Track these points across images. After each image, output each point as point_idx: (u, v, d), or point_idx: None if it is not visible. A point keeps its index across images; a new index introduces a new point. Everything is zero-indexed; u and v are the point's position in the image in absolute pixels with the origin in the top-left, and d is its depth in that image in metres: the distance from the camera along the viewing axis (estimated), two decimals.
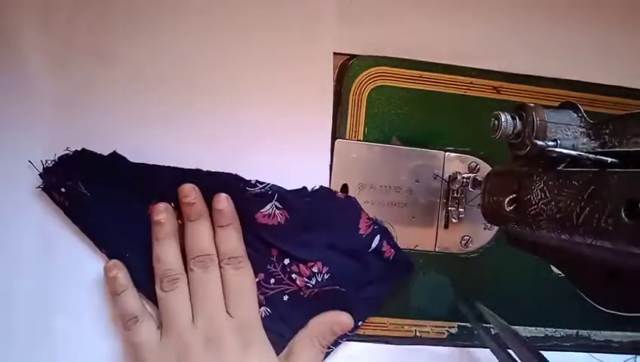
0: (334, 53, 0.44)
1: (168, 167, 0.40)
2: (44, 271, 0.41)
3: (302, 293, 0.42)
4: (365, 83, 0.44)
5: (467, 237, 0.46)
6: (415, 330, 0.45)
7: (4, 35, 0.40)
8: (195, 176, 0.40)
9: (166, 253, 0.40)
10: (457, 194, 0.45)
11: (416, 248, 0.45)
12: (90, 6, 0.41)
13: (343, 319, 0.42)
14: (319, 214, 0.42)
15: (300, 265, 0.42)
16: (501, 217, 0.34)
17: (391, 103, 0.45)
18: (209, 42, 0.42)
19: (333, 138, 0.44)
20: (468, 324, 0.46)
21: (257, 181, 0.41)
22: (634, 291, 0.26)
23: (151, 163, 0.40)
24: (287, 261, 0.42)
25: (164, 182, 0.40)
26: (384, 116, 0.45)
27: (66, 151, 0.40)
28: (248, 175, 0.41)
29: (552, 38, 0.47)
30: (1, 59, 0.40)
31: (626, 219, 0.24)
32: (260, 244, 0.42)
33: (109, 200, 0.40)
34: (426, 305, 0.45)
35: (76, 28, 0.41)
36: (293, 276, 0.42)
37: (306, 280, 0.42)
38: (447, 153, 0.45)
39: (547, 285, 0.46)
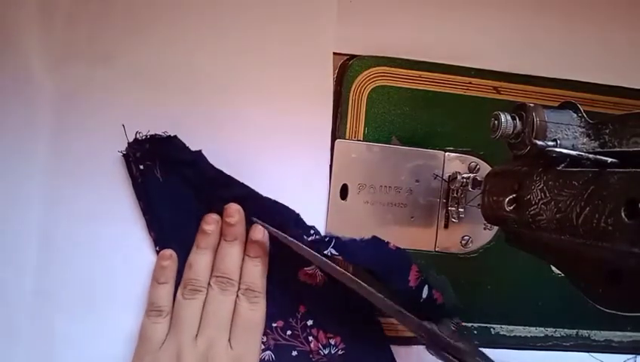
0: (334, 53, 0.44)
1: (242, 183, 0.41)
2: (45, 271, 0.40)
3: (311, 356, 0.42)
4: (365, 83, 0.44)
5: (467, 237, 0.46)
6: None
7: (4, 35, 0.40)
8: (262, 201, 0.41)
9: (199, 263, 0.40)
10: (457, 194, 0.45)
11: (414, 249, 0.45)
12: (89, 6, 0.41)
13: None
14: (375, 260, 0.42)
15: (321, 331, 0.42)
16: (501, 217, 0.34)
17: (391, 103, 0.45)
18: (209, 42, 0.42)
19: (333, 138, 0.44)
20: (468, 324, 0.46)
21: (314, 230, 0.42)
22: (634, 291, 0.26)
23: None
24: (310, 322, 0.42)
25: (231, 194, 0.41)
26: (384, 116, 0.45)
27: (161, 133, 0.40)
28: (248, 175, 0.41)
29: (552, 38, 0.47)
30: (1, 59, 0.40)
31: (626, 219, 0.24)
32: (292, 296, 0.42)
33: (177, 193, 0.41)
34: None
35: (76, 28, 0.41)
36: (310, 338, 0.42)
37: (320, 346, 0.42)
38: (447, 153, 0.45)
39: (547, 285, 0.46)
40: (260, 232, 0.41)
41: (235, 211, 0.41)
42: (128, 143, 0.40)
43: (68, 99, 0.41)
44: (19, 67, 0.40)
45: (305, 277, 0.43)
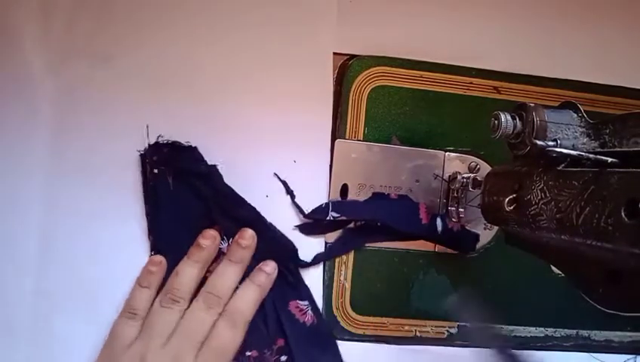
0: (334, 53, 0.44)
1: (250, 205, 0.41)
2: (45, 271, 0.40)
3: None
4: (365, 83, 0.44)
5: None
6: (415, 330, 0.45)
7: (4, 35, 0.40)
8: (266, 227, 0.41)
9: (185, 274, 0.40)
10: (457, 194, 0.44)
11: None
12: (89, 6, 0.41)
13: None
14: (380, 211, 0.43)
15: None
16: (501, 217, 0.34)
17: (391, 103, 0.45)
18: (209, 42, 0.42)
19: (333, 138, 0.44)
20: (468, 324, 0.46)
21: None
22: (634, 291, 0.26)
23: None
24: (284, 358, 0.42)
25: (236, 214, 0.41)
26: (384, 116, 0.45)
27: (184, 142, 0.40)
28: (248, 174, 0.41)
29: (552, 38, 0.47)
30: (1, 59, 0.40)
31: (626, 219, 0.24)
32: (274, 328, 0.42)
33: (184, 202, 0.41)
34: (426, 305, 0.45)
35: (76, 28, 0.41)
36: None
37: None
38: (447, 153, 0.45)
39: (547, 285, 0.46)
40: (271, 266, 0.41)
41: (250, 236, 0.41)
42: (148, 145, 0.40)
43: (68, 99, 0.41)
44: (19, 67, 0.40)
45: (294, 310, 0.42)
